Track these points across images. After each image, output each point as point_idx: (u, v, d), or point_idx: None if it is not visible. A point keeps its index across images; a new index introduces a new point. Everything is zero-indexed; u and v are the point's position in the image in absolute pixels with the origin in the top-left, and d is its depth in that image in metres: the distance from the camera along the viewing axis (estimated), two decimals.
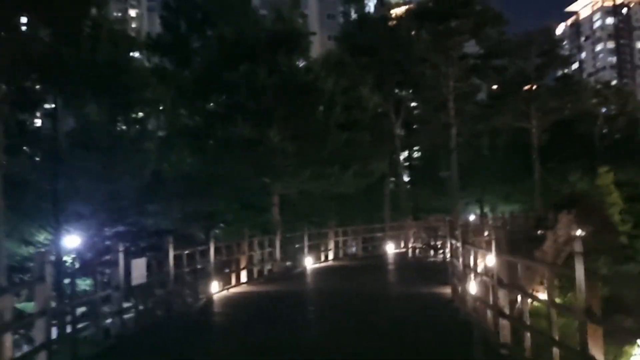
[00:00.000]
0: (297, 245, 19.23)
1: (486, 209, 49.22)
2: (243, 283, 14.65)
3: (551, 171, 46.36)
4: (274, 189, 23.61)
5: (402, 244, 25.50)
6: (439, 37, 33.21)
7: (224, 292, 13.42)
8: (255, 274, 15.78)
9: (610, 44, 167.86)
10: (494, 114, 40.46)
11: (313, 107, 21.58)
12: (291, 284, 15.14)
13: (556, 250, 23.01)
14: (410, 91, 32.82)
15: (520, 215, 38.07)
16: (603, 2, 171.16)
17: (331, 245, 20.95)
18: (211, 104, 24.01)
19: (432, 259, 20.32)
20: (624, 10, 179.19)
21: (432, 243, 20.60)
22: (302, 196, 33.00)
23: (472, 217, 46.71)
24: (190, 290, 12.57)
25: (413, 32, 32.22)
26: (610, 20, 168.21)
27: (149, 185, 24.60)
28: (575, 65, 43.39)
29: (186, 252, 12.15)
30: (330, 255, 20.83)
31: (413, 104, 39.06)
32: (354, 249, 22.88)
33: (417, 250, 20.84)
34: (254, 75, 20.87)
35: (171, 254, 11.30)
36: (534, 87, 41.42)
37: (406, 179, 44.24)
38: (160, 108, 25.81)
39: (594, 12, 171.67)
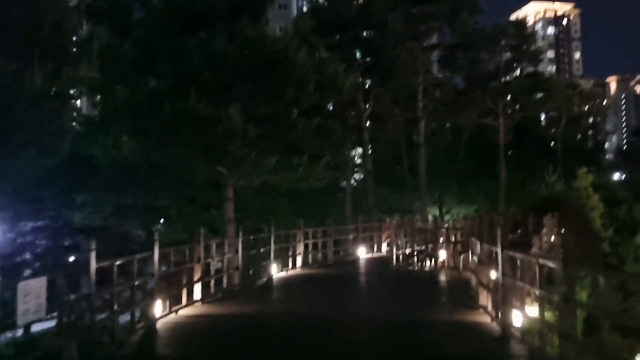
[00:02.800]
0: (261, 250, 15.60)
1: (435, 211, 46.82)
2: (196, 301, 10.98)
3: (512, 172, 44.82)
4: (229, 181, 19.87)
5: (376, 248, 22.41)
6: (412, 21, 30.36)
7: (172, 317, 9.74)
8: (212, 289, 12.10)
9: (551, 54, 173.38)
10: (460, 110, 38.22)
11: (282, 84, 17.96)
12: (258, 303, 11.58)
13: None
14: (381, 78, 29.74)
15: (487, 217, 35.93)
16: (545, 12, 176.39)
17: (300, 249, 17.48)
18: (157, 78, 19.96)
19: (417, 268, 17.25)
20: (564, 21, 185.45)
21: (426, 249, 17.45)
22: (254, 191, 29.50)
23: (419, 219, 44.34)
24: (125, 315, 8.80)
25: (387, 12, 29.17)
26: (551, 30, 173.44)
27: (78, 172, 20.56)
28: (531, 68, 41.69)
29: (117, 262, 8.37)
30: (299, 262, 17.36)
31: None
32: (325, 254, 19.45)
33: (410, 257, 17.64)
34: (211, 43, 17.13)
35: (93, 265, 7.54)
36: (503, 82, 39.54)
37: (358, 176, 41.34)
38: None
39: (536, 22, 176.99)
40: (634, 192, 32.30)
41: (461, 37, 35.00)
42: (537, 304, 7.75)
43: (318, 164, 19.48)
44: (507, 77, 40.36)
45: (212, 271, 12.16)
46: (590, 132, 55.08)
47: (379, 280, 14.98)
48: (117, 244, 21.94)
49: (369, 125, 31.42)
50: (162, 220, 27.93)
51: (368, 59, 29.48)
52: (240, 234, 13.85)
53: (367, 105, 29.65)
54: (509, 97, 38.57)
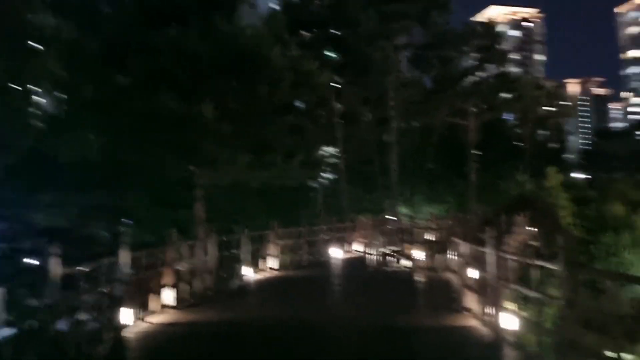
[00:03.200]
0: (234, 251, 15.07)
1: (405, 211, 46.78)
2: (168, 308, 10.42)
3: (481, 172, 45.16)
4: (201, 180, 19.28)
5: (350, 248, 22.10)
6: (385, 19, 30.13)
7: (143, 325, 9.17)
8: (185, 293, 11.53)
9: (515, 56, 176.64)
10: (431, 110, 38.30)
11: (256, 80, 17.47)
12: (233, 308, 11.09)
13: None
14: (353, 77, 29.40)
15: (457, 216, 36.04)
16: (509, 16, 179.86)
17: (273, 250, 17.00)
18: (126, 74, 19.21)
19: (393, 268, 16.97)
20: (528, 24, 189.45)
21: (402, 249, 17.16)
22: (224, 191, 28.91)
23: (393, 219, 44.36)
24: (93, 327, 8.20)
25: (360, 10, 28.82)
26: (514, 34, 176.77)
27: (41, 171, 19.63)
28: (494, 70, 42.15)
29: (83, 268, 7.78)
30: (274, 264, 16.88)
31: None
32: (299, 255, 18.99)
33: (386, 257, 17.28)
34: (183, 39, 16.55)
35: (56, 270, 6.95)
36: (472, 82, 39.76)
37: (327, 175, 41.00)
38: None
39: (497, 25, 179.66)
40: (601, 192, 32.81)
41: (432, 36, 35.00)
42: (528, 307, 7.49)
43: (292, 163, 19.09)
44: (476, 78, 40.60)
45: (185, 275, 11.60)
46: (554, 132, 56.12)
47: (357, 282, 14.61)
48: (83, 247, 21.04)
49: (341, 124, 31.05)
50: (129, 222, 27.08)
51: (340, 58, 29.13)
52: (213, 236, 13.29)
53: (339, 104, 29.28)
54: (478, 97, 38.75)
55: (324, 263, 19.03)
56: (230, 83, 17.24)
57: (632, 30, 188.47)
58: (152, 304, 10.07)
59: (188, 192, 20.40)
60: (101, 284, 8.28)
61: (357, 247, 22.39)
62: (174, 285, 10.76)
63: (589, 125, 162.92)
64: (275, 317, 9.91)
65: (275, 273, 16.38)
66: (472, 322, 8.72)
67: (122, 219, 26.49)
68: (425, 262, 15.19)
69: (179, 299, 10.93)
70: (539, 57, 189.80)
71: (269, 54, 17.25)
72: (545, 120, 46.65)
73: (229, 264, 14.32)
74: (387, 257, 17.62)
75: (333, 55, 28.68)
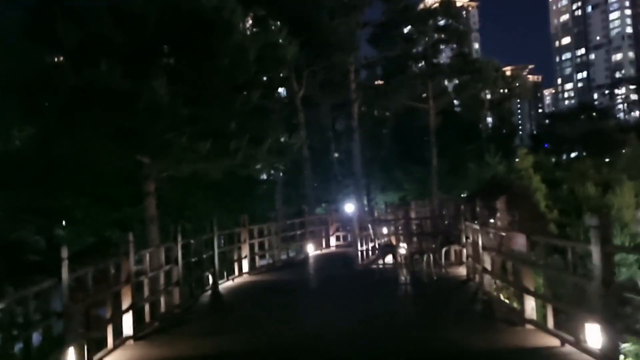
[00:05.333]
0: (203, 255, 12.39)
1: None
2: (127, 339, 7.76)
3: (439, 157, 43.98)
4: (152, 172, 16.38)
5: (325, 243, 19.84)
6: None
7: None
8: (147, 316, 8.85)
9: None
10: (391, 92, 36.51)
11: (217, 51, 14.71)
12: (208, 334, 8.44)
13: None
14: (314, 56, 26.93)
15: (423, 203, 34.47)
16: (442, 4, 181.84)
17: (245, 251, 14.44)
18: (55, 46, 15.96)
19: (384, 265, 14.79)
20: (464, 13, 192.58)
21: (392, 243, 14.91)
22: (173, 184, 25.98)
23: (350, 209, 42.55)
24: None
25: None
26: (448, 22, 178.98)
27: None
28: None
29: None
30: (245, 267, 14.33)
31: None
32: (274, 254, 16.45)
33: (372, 252, 14.95)
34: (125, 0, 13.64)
35: None
36: (432, 63, 38.25)
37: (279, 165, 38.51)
38: None
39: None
40: (567, 173, 32.01)
41: (392, 13, 33.05)
42: None
43: (260, 149, 16.47)
44: (436, 58, 39.15)
45: (146, 292, 8.90)
46: (507, 116, 55.84)
47: (352, 286, 12.23)
48: (11, 255, 17.80)
49: (302, 109, 28.58)
50: (64, 223, 23.73)
51: (302, 32, 26.57)
52: (179, 238, 10.57)
53: (301, 84, 26.80)
54: (439, 78, 37.27)
55: (301, 262, 16.65)
56: (186, 54, 14.40)
57: (564, 18, 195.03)
58: (106, 338, 7.38)
59: (135, 186, 17.47)
60: (31, 320, 5.58)
61: (332, 241, 20.16)
62: (131, 308, 8.09)
63: (521, 110, 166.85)
64: (267, 345, 7.43)
65: (249, 278, 13.86)
66: (546, 341, 6.59)
67: (56, 221, 23.11)
68: (427, 257, 13.02)
69: (140, 325, 8.27)
70: (474, 45, 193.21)
71: (232, 19, 14.54)
72: (501, 103, 45.93)
73: (196, 272, 11.67)
74: (375, 252, 15.44)
75: (292, 32, 26.02)
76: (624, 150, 40.20)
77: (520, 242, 7.62)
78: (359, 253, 14.56)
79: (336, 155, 39.44)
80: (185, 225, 25.55)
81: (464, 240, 11.95)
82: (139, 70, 13.25)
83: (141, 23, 13.78)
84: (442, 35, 37.74)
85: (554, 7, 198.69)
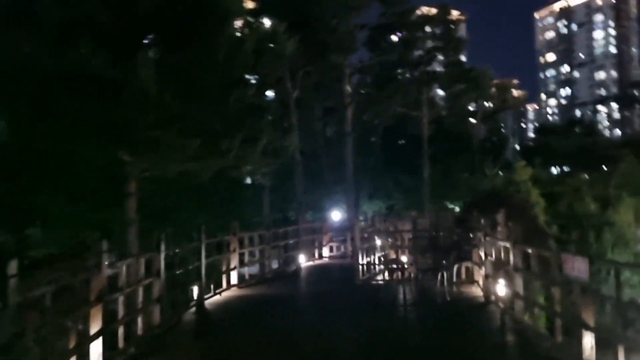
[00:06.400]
0: (189, 267, 11.01)
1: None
2: None
3: (431, 167, 42.99)
4: (135, 171, 15.00)
5: (318, 254, 18.58)
6: None
7: None
8: (121, 341, 7.47)
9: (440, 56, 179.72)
10: (385, 98, 35.43)
11: (212, 40, 13.43)
12: None
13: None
14: (310, 57, 25.63)
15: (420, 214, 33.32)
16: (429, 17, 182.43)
17: (235, 261, 13.08)
18: (33, 28, 14.50)
19: (383, 281, 13.56)
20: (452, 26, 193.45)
21: (393, 257, 13.66)
22: (157, 185, 24.53)
23: (337, 217, 41.34)
24: None
25: None
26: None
27: None
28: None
29: None
30: (234, 278, 12.98)
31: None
32: (266, 265, 15.08)
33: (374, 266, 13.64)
34: None
35: None
36: (428, 70, 37.30)
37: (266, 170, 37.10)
38: None
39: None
40: (566, 187, 31.18)
41: (390, 16, 32.01)
42: None
43: (254, 149, 15.23)
44: (431, 66, 38.21)
45: (121, 312, 7.53)
46: (498, 127, 55.20)
47: (354, 305, 10.86)
48: None
49: (296, 110, 27.29)
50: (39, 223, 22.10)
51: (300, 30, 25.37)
52: (162, 247, 9.19)
53: (296, 84, 25.50)
54: (435, 85, 36.34)
55: (294, 274, 15.31)
56: (179, 41, 13.11)
57: (549, 35, 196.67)
58: None
59: (116, 186, 16.06)
60: None
61: (325, 252, 18.87)
62: (102, 332, 6.72)
63: (504, 124, 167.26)
64: None
65: (239, 291, 12.50)
66: None
67: (30, 220, 21.54)
68: (441, 275, 11.80)
69: (110, 353, 6.90)
70: (463, 58, 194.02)
71: (230, 6, 13.27)
72: (494, 113, 45.16)
73: (180, 286, 10.29)
74: (380, 266, 14.18)
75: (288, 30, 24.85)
76: (618, 166, 39.55)
77: (579, 267, 6.43)
78: (360, 267, 13.26)
79: (326, 160, 38.15)
80: (168, 230, 23.99)
81: (482, 257, 10.76)
82: (125, 57, 11.92)
83: (130, 5, 12.49)
84: (439, 43, 36.82)
85: (540, 24, 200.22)
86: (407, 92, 35.00)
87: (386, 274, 12.68)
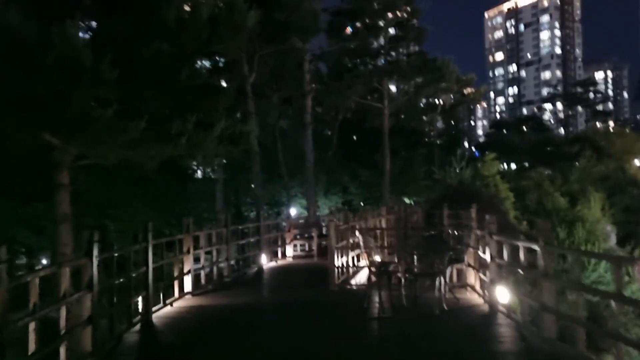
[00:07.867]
0: (132, 274, 8.89)
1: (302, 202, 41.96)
2: None
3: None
4: (65, 158, 12.70)
5: (281, 254, 16.73)
6: None
7: None
8: None
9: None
10: (345, 88, 33.86)
11: (160, 4, 11.30)
12: None
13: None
14: (268, 39, 23.60)
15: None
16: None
17: (188, 264, 11.04)
18: None
19: (360, 285, 11.87)
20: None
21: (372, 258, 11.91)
22: (95, 177, 22.17)
23: (294, 212, 39.63)
24: None
25: None
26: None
27: None
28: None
29: None
30: (188, 285, 10.94)
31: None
32: (224, 267, 13.05)
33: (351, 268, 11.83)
34: None
35: None
36: (389, 60, 35.97)
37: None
38: None
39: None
40: (534, 182, 30.53)
41: (352, 2, 30.38)
42: None
43: (209, 135, 13.19)
44: (392, 56, 36.91)
45: (32, 345, 5.46)
46: (456, 121, 54.85)
47: (334, 319, 9.06)
48: None
49: (253, 97, 25.20)
50: None
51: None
52: (95, 250, 7.09)
53: (252, 69, 23.43)
54: (396, 75, 35.00)
55: (258, 278, 13.37)
56: (119, 3, 10.93)
57: (498, 34, 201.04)
58: None
59: (45, 176, 13.72)
60: None
61: (288, 251, 17.02)
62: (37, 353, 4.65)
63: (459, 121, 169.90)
64: None
65: (193, 301, 10.48)
66: None
67: None
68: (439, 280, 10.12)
69: None
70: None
71: None
72: (455, 107, 44.44)
73: (119, 298, 8.19)
74: (353, 267, 12.45)
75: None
76: (576, 162, 39.62)
77: None
78: (335, 270, 11.46)
79: (282, 154, 36.26)
80: (108, 227, 21.19)
81: (488, 258, 9.19)
82: (48, 13, 9.68)
83: None
84: (400, 33, 35.50)
85: (489, 24, 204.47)
86: (368, 82, 33.48)
87: (366, 277, 10.95)
